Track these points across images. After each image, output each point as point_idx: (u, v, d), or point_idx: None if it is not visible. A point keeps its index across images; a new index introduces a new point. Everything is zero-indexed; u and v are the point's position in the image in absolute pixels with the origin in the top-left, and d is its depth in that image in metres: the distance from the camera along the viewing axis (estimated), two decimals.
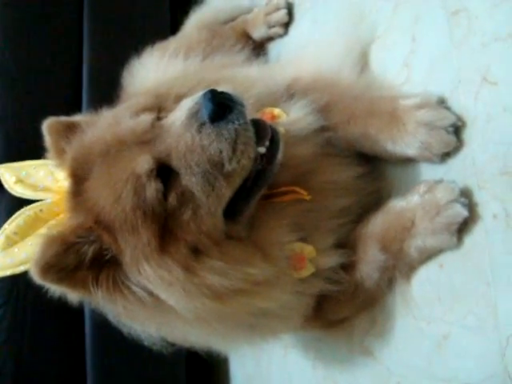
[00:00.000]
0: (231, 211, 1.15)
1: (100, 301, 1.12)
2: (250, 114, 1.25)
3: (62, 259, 1.05)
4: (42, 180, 1.26)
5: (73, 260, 1.07)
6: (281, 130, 1.27)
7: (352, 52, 1.44)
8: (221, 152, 1.05)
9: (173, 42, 2.02)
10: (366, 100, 1.31)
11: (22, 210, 1.21)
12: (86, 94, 2.43)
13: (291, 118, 1.32)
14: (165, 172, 1.08)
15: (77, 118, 1.29)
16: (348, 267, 1.28)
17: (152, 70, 1.83)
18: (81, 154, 1.15)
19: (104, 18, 2.49)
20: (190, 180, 1.07)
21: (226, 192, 1.10)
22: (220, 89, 1.08)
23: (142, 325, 1.20)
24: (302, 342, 1.71)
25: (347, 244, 1.29)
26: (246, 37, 2.06)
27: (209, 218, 1.10)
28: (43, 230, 1.19)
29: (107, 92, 1.74)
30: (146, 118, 1.13)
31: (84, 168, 1.13)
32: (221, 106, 1.05)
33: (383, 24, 1.41)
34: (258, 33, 2.04)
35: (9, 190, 1.28)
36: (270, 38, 2.04)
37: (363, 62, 1.44)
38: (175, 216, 1.08)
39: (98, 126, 1.19)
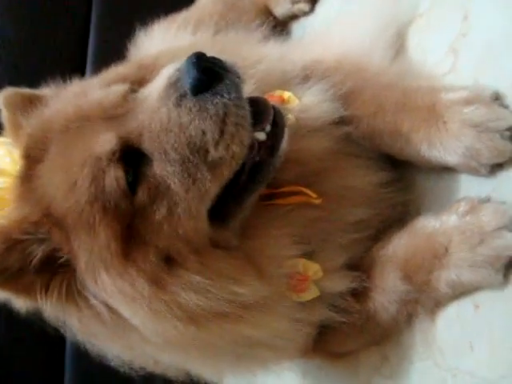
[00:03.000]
0: (219, 213, 0.92)
1: (51, 311, 0.92)
2: (251, 95, 1.02)
3: (2, 260, 0.86)
4: None
5: (16, 261, 0.87)
6: (289, 117, 1.05)
7: (386, 32, 1.19)
8: (204, 133, 0.83)
9: (183, 14, 1.79)
10: (399, 90, 1.06)
11: None
12: (90, 66, 2.23)
13: (304, 103, 1.08)
14: (133, 156, 0.86)
15: (42, 91, 1.08)
16: (359, 294, 1.04)
17: (157, 42, 1.62)
18: (38, 130, 0.94)
19: None
20: (165, 169, 0.85)
21: (212, 187, 0.87)
22: (210, 54, 0.85)
23: (103, 345, 0.98)
24: (300, 366, 1.48)
25: (361, 265, 1.05)
26: (266, 13, 1.82)
27: (188, 219, 0.87)
28: None
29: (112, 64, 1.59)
30: (118, 89, 0.92)
31: (39, 147, 0.92)
32: (208, 74, 0.83)
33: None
34: (280, 9, 1.79)
35: None
36: (294, 16, 1.79)
37: (399, 44, 1.20)
38: (145, 214, 0.86)
39: (63, 97, 0.98)
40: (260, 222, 0.98)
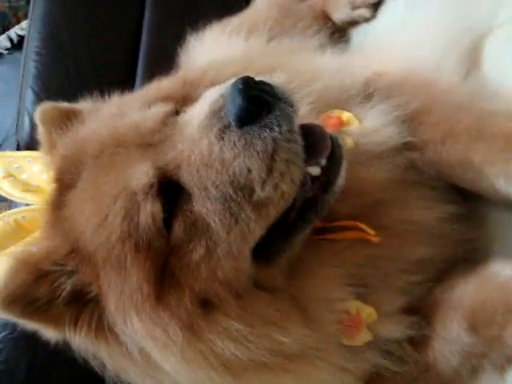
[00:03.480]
0: (264, 250, 0.84)
1: (80, 344, 0.86)
2: (308, 117, 0.93)
3: (31, 290, 0.81)
4: (36, 177, 1.01)
5: (45, 293, 0.82)
6: (348, 141, 0.95)
7: (458, 44, 1.07)
8: (249, 171, 0.74)
9: (237, 18, 1.71)
10: (473, 113, 0.95)
11: (2, 214, 0.96)
12: (141, 72, 2.19)
13: (366, 126, 0.98)
14: (171, 190, 0.78)
15: (81, 105, 1.02)
16: (417, 341, 0.93)
17: (208, 48, 1.55)
18: (71, 152, 0.88)
19: None
20: (205, 206, 0.77)
21: (256, 228, 0.79)
22: (259, 77, 0.77)
23: (134, 381, 0.92)
24: None
25: (420, 310, 0.94)
26: (324, 18, 1.70)
27: (229, 260, 0.79)
28: (21, 245, 0.93)
29: (162, 71, 1.53)
30: (157, 112, 0.84)
31: (72, 172, 0.86)
32: (255, 103, 0.74)
33: (509, 7, 1.02)
34: (339, 14, 1.66)
35: None
36: (354, 22, 1.66)
37: (472, 59, 1.07)
38: (180, 254, 0.79)
39: (100, 115, 0.91)
40: (310, 259, 0.89)
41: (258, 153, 0.73)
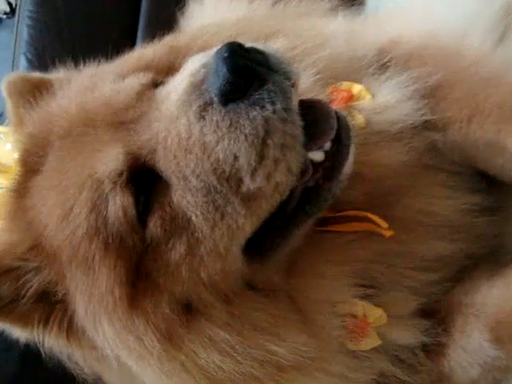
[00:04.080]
0: (259, 245, 0.72)
1: (53, 345, 0.77)
2: (312, 90, 0.82)
3: None
4: (7, 156, 0.90)
5: (9, 291, 0.73)
6: (359, 119, 0.83)
7: (489, 7, 0.92)
8: (236, 158, 0.62)
9: None
10: (506, 88, 0.81)
11: None
12: (141, 37, 2.05)
13: (379, 101, 0.85)
14: (145, 178, 0.67)
15: (53, 74, 0.91)
16: (431, 348, 0.82)
17: (209, 13, 1.42)
18: (38, 130, 0.78)
19: None
20: (185, 198, 0.65)
21: (246, 223, 0.67)
22: (252, 43, 0.64)
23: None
24: None
25: (436, 312, 0.82)
26: None
27: (215, 260, 0.69)
28: None
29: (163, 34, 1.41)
30: (133, 84, 0.73)
31: (38, 154, 0.75)
32: (244, 75, 0.61)
33: None
34: None
35: None
36: None
37: (505, 24, 0.92)
38: (158, 253, 0.68)
39: (71, 88, 0.80)
40: (311, 254, 0.78)
41: (245, 136, 0.61)
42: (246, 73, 0.61)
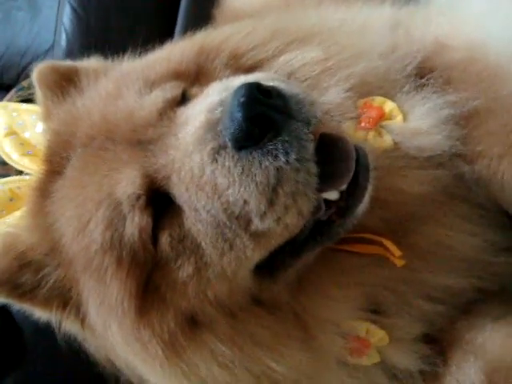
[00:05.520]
0: (269, 264, 0.74)
1: (69, 329, 0.83)
2: (343, 106, 0.81)
3: (15, 277, 0.77)
4: (37, 138, 0.92)
5: (30, 279, 0.78)
6: (387, 140, 0.81)
7: None
8: (246, 203, 0.63)
9: None
10: None
11: None
12: (183, 11, 1.95)
13: (411, 125, 0.82)
14: (160, 200, 0.69)
15: (81, 63, 0.91)
16: (429, 374, 0.83)
17: None
18: (63, 129, 0.79)
19: None
20: (196, 226, 0.67)
21: (254, 255, 0.69)
22: (271, 82, 0.63)
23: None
24: None
25: (438, 341, 0.83)
26: None
27: (222, 282, 0.71)
28: (13, 218, 0.87)
29: (205, 11, 1.40)
30: (157, 100, 0.72)
31: (61, 154, 0.77)
32: (259, 122, 0.60)
33: None
34: None
35: None
36: None
37: None
38: (167, 269, 0.70)
39: (97, 90, 0.80)
40: (322, 273, 0.78)
41: (256, 184, 0.61)
42: (261, 121, 0.60)
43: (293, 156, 0.61)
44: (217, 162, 0.63)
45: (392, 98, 0.84)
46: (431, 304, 0.82)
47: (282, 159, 0.61)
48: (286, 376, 0.75)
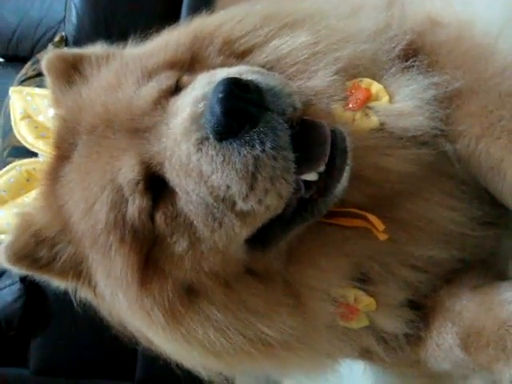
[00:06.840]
0: (261, 235, 0.80)
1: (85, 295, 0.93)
2: (331, 88, 0.85)
3: (33, 252, 0.87)
4: (50, 122, 0.99)
5: (46, 255, 0.87)
6: (373, 120, 0.85)
7: None
8: (229, 187, 0.69)
9: None
10: None
11: (14, 164, 0.99)
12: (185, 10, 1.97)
13: (396, 106, 0.85)
14: (157, 183, 0.76)
15: (86, 50, 0.96)
16: (412, 337, 0.90)
17: None
18: (70, 117, 0.86)
19: None
20: (188, 206, 0.74)
21: (242, 231, 0.76)
22: (249, 76, 0.68)
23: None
24: None
25: (422, 306, 0.89)
26: None
27: (215, 255, 0.78)
28: (29, 198, 0.96)
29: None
30: (152, 91, 0.78)
31: (69, 140, 0.85)
32: (237, 116, 0.66)
33: None
34: None
35: (12, 125, 1.03)
36: None
37: None
38: (164, 244, 0.78)
39: (100, 80, 0.86)
40: (312, 245, 0.84)
41: (236, 171, 0.68)
42: (238, 114, 0.66)
43: (268, 145, 0.67)
44: (201, 151, 0.69)
45: (379, 79, 0.87)
46: (415, 273, 0.88)
47: (259, 148, 0.67)
48: (277, 338, 0.82)
